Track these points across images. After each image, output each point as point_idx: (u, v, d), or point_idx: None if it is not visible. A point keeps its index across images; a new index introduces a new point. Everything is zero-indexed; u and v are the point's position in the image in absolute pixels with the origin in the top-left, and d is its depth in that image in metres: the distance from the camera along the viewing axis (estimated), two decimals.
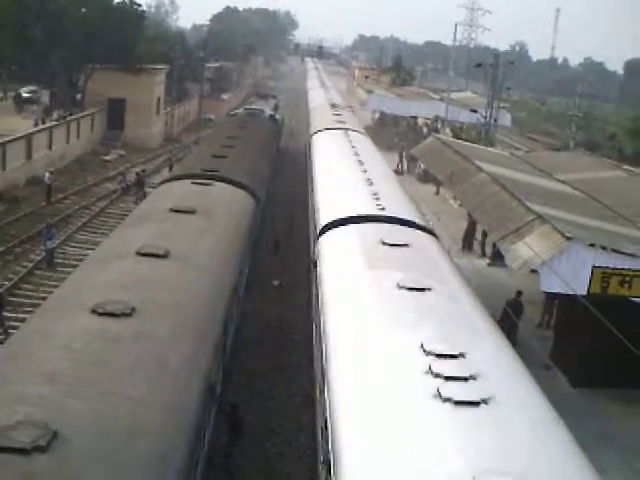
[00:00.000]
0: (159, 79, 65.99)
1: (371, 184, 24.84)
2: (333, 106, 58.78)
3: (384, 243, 17.69)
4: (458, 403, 9.92)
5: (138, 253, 14.68)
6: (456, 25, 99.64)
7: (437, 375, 10.65)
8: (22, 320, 17.12)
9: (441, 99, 76.52)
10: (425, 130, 72.83)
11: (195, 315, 13.06)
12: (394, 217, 20.58)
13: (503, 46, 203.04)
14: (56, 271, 28.81)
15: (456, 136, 57.59)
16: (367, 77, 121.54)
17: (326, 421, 11.34)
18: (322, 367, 13.38)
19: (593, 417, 18.90)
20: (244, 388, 19.96)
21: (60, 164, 47.83)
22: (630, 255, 17.91)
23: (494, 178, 24.74)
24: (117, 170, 49.49)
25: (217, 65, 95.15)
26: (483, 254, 35.30)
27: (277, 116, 58.39)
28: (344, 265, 17.34)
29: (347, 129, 42.16)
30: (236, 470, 16.41)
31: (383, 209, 21.30)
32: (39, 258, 29.95)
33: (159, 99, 65.81)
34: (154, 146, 61.87)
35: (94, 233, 34.76)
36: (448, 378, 10.57)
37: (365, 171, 27.45)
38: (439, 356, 11.24)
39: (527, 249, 17.93)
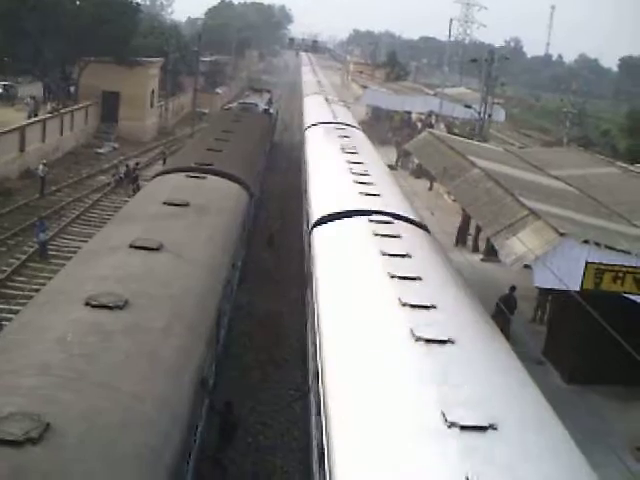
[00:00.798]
0: (153, 72, 65.84)
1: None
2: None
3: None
4: None
5: (131, 246, 14.65)
6: (451, 21, 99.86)
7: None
8: (15, 312, 17.05)
9: (435, 94, 76.56)
10: (419, 125, 72.81)
11: (188, 308, 13.04)
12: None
13: (498, 42, 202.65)
14: (49, 263, 28.77)
15: (449, 131, 57.66)
16: (361, 72, 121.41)
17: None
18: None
19: (585, 413, 18.92)
20: (237, 381, 19.98)
21: (53, 157, 47.73)
22: (623, 252, 17.91)
23: (488, 174, 24.72)
24: (111, 163, 49.42)
25: (211, 59, 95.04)
26: (476, 249, 35.34)
27: (271, 110, 58.32)
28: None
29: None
30: (228, 463, 16.43)
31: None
32: (32, 250, 29.90)
33: (153, 92, 65.67)
34: (148, 139, 61.83)
35: (87, 225, 34.73)
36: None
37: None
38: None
39: (521, 245, 17.93)
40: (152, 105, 65.29)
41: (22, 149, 43.41)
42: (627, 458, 17.64)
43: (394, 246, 17.43)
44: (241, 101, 58.88)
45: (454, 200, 37.30)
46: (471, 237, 36.25)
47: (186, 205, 18.71)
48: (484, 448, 9.24)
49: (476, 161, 26.70)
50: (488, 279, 28.23)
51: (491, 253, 30.23)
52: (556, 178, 28.14)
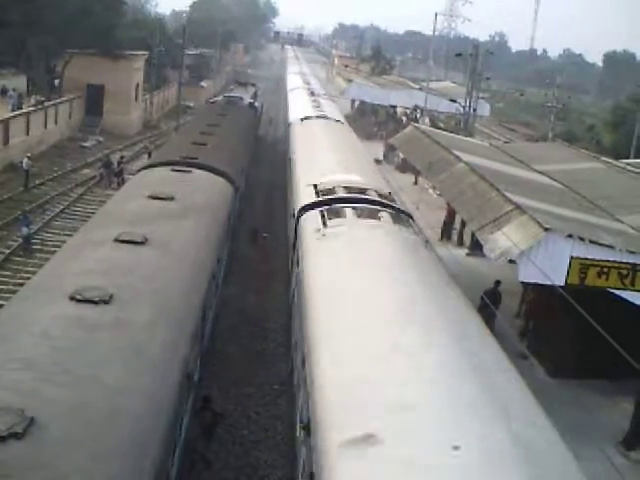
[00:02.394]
0: (138, 65, 65.62)
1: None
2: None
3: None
4: None
5: (116, 240, 14.59)
6: (436, 15, 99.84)
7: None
8: None
9: (420, 88, 76.63)
10: (404, 119, 72.88)
11: (173, 302, 13.00)
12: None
13: (483, 36, 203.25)
14: (33, 258, 28.66)
15: (433, 126, 57.76)
16: (347, 66, 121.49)
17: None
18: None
19: (570, 407, 19.00)
20: (221, 375, 20.00)
21: (38, 150, 47.55)
22: (608, 246, 18.00)
23: (473, 168, 24.78)
24: (95, 156, 49.24)
25: (196, 52, 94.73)
26: (461, 244, 35.43)
27: (256, 104, 58.27)
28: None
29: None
30: (213, 457, 16.44)
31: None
32: (16, 245, 29.78)
33: (138, 86, 65.47)
34: (133, 133, 61.67)
35: (72, 219, 34.60)
36: None
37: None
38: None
39: (505, 239, 17.98)
40: (137, 98, 65.09)
41: (6, 142, 43.21)
42: (611, 452, 17.75)
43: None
44: (226, 95, 58.80)
45: (439, 194, 37.36)
46: (456, 231, 36.36)
47: (171, 199, 18.64)
48: None
49: (461, 155, 26.75)
50: (473, 273, 28.31)
51: (476, 247, 30.31)
52: (541, 173, 28.22)
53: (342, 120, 46.13)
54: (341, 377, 11.00)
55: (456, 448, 8.83)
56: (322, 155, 29.18)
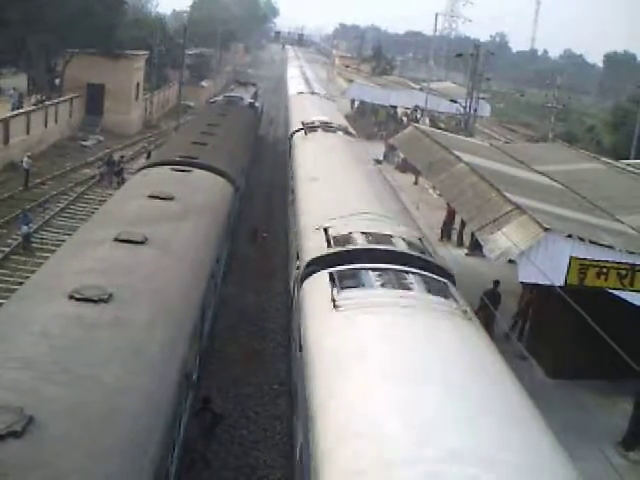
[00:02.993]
0: (138, 65, 65.61)
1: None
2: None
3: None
4: None
5: (116, 239, 14.59)
6: (437, 15, 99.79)
7: None
8: None
9: (421, 89, 76.59)
10: (405, 119, 72.88)
11: (172, 302, 13.01)
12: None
13: (484, 37, 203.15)
14: (33, 256, 28.66)
15: (433, 126, 57.77)
16: (347, 66, 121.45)
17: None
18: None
19: (569, 407, 19.04)
20: (220, 375, 20.02)
21: (38, 149, 47.54)
22: (607, 247, 18.01)
23: (473, 168, 24.78)
24: (96, 156, 49.24)
25: (197, 52, 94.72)
26: (461, 244, 35.43)
27: (257, 104, 58.26)
28: None
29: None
30: (212, 457, 16.44)
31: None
32: (16, 243, 29.79)
33: (138, 85, 65.48)
34: (133, 132, 61.65)
35: (72, 218, 34.60)
36: None
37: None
38: None
39: (505, 239, 17.99)
40: (137, 98, 65.09)
41: (6, 141, 43.20)
42: (610, 453, 17.76)
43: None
44: (226, 94, 58.85)
45: (439, 195, 37.36)
46: (456, 231, 36.34)
47: (171, 199, 18.64)
48: None
49: (461, 156, 26.76)
50: (472, 273, 28.27)
51: (476, 248, 30.30)
52: (541, 173, 28.22)
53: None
54: None
55: None
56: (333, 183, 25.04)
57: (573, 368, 21.54)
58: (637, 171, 28.99)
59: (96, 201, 37.20)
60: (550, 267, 17.43)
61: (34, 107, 49.88)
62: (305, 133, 36.09)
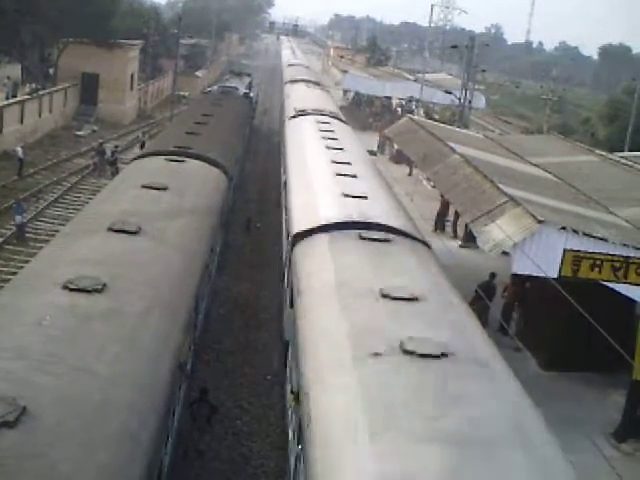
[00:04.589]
0: (133, 55, 65.38)
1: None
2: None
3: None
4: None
5: (110, 229, 14.57)
6: (432, 6, 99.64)
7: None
8: None
9: (416, 80, 76.50)
10: (399, 111, 72.83)
11: (166, 292, 13.00)
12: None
13: (479, 28, 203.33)
14: (27, 246, 28.59)
15: (428, 117, 57.77)
16: (342, 57, 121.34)
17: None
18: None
19: (562, 399, 19.08)
20: (214, 366, 20.02)
21: (32, 138, 47.36)
22: (601, 239, 18.02)
23: (467, 160, 24.78)
24: (90, 145, 49.09)
25: (191, 42, 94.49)
26: (455, 235, 35.46)
27: (251, 94, 58.15)
28: None
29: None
30: (206, 447, 16.45)
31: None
32: (9, 233, 29.71)
33: (133, 75, 65.22)
34: (127, 122, 61.45)
35: (66, 208, 34.50)
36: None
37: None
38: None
39: (499, 231, 18.00)
40: (132, 88, 64.84)
41: (0, 131, 43.05)
42: (603, 444, 17.82)
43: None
44: (221, 85, 58.64)
45: (433, 186, 37.38)
46: (450, 223, 36.35)
47: (165, 189, 18.61)
48: None
49: (456, 147, 26.76)
50: (467, 265, 28.28)
51: (470, 239, 30.31)
52: (536, 165, 28.24)
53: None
54: None
55: None
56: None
57: (566, 360, 21.59)
58: (631, 164, 29.01)
59: (90, 191, 37.06)
60: (544, 259, 17.44)
61: (28, 96, 49.69)
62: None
